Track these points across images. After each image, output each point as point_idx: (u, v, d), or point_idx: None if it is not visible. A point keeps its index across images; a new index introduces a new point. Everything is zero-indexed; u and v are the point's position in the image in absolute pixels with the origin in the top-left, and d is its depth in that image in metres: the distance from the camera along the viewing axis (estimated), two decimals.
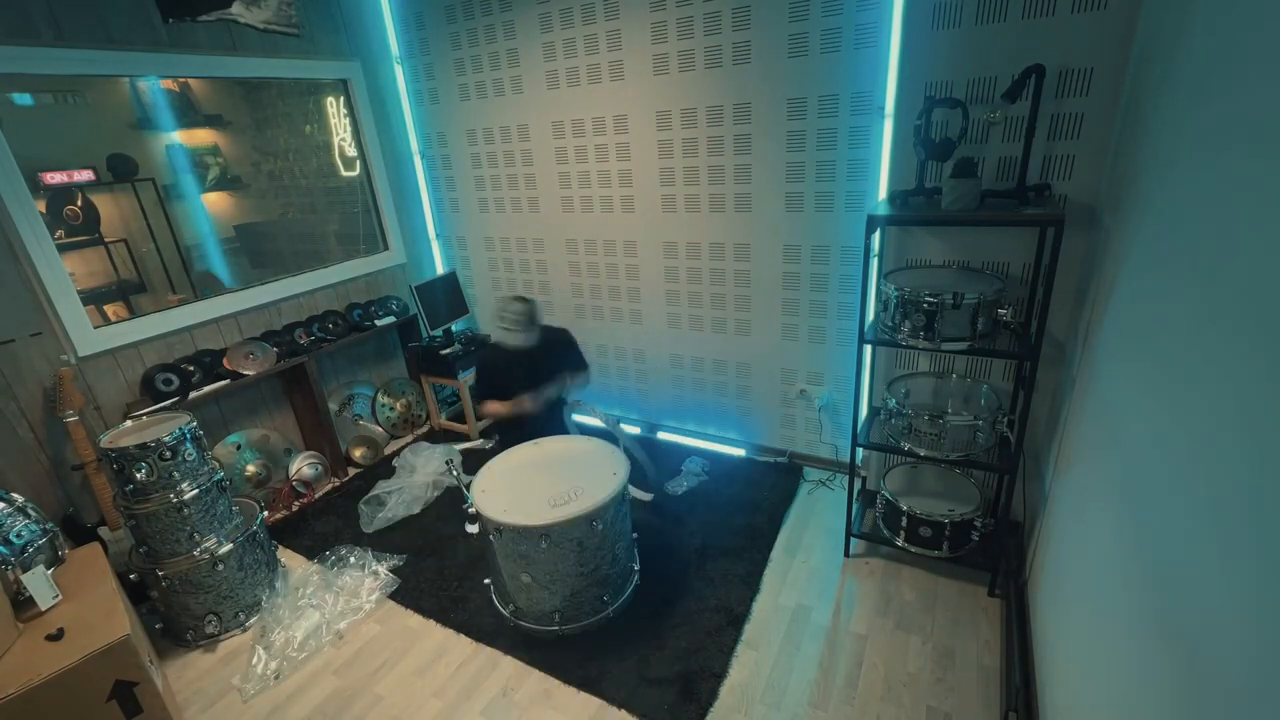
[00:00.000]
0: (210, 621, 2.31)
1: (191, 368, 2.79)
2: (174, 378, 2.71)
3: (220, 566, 2.28)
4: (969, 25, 1.98)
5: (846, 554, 2.49)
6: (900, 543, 2.33)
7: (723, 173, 2.78)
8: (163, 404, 2.62)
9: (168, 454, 2.15)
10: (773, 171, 2.66)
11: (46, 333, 2.43)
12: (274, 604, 2.40)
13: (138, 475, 2.11)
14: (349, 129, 3.52)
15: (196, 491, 2.21)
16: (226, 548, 2.29)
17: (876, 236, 2.22)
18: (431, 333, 3.60)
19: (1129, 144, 1.68)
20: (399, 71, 3.57)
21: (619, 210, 3.14)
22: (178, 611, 2.28)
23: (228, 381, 2.84)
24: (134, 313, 2.89)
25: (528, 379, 2.56)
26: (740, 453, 3.29)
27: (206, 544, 2.26)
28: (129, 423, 2.32)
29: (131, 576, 2.25)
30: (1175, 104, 1.30)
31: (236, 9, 2.85)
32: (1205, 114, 1.11)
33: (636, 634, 2.18)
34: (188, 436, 2.21)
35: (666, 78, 2.74)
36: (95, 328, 2.55)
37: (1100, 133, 1.91)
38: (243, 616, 2.39)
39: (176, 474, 2.18)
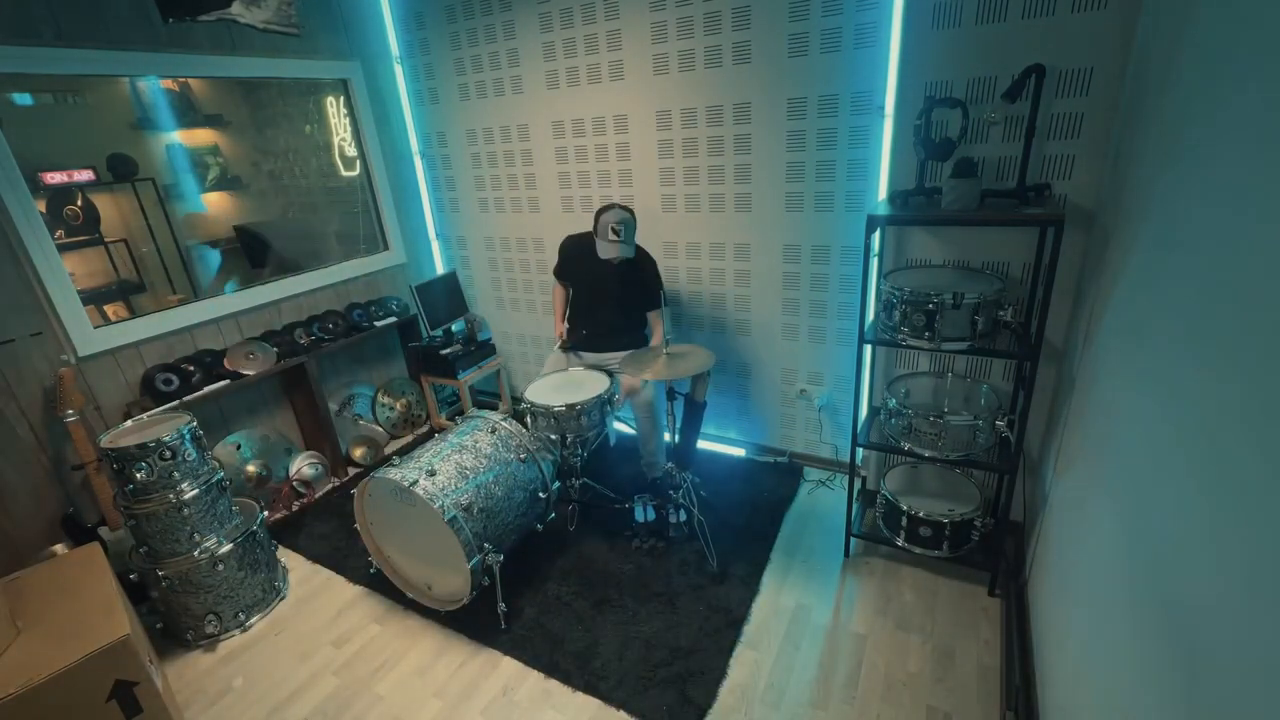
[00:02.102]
0: (210, 621, 2.31)
1: (191, 368, 2.79)
2: (174, 378, 2.71)
3: (220, 566, 2.28)
4: (969, 25, 1.98)
5: (846, 554, 2.49)
6: (900, 543, 2.32)
7: (723, 173, 2.78)
8: (167, 405, 2.61)
9: (168, 454, 2.14)
10: (773, 171, 2.66)
11: (46, 333, 2.43)
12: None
13: (138, 475, 2.11)
14: (349, 129, 3.52)
15: (197, 491, 2.21)
16: (226, 548, 2.29)
17: (876, 236, 2.22)
18: (431, 333, 3.60)
19: (1129, 144, 1.68)
20: (399, 71, 3.57)
21: None
22: (178, 611, 2.27)
23: (227, 382, 2.84)
24: (134, 313, 2.89)
25: (608, 294, 2.74)
26: (740, 453, 3.29)
27: (207, 544, 2.26)
28: (129, 422, 2.32)
29: (131, 576, 2.25)
30: (1175, 104, 1.30)
31: (236, 9, 2.85)
32: (1205, 113, 1.11)
33: (647, 616, 2.19)
34: (187, 436, 2.20)
35: (666, 78, 2.74)
36: (95, 328, 2.55)
37: (1100, 133, 1.91)
38: (243, 616, 2.39)
39: (177, 474, 2.18)
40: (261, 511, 2.55)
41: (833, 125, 2.47)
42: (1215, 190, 1.00)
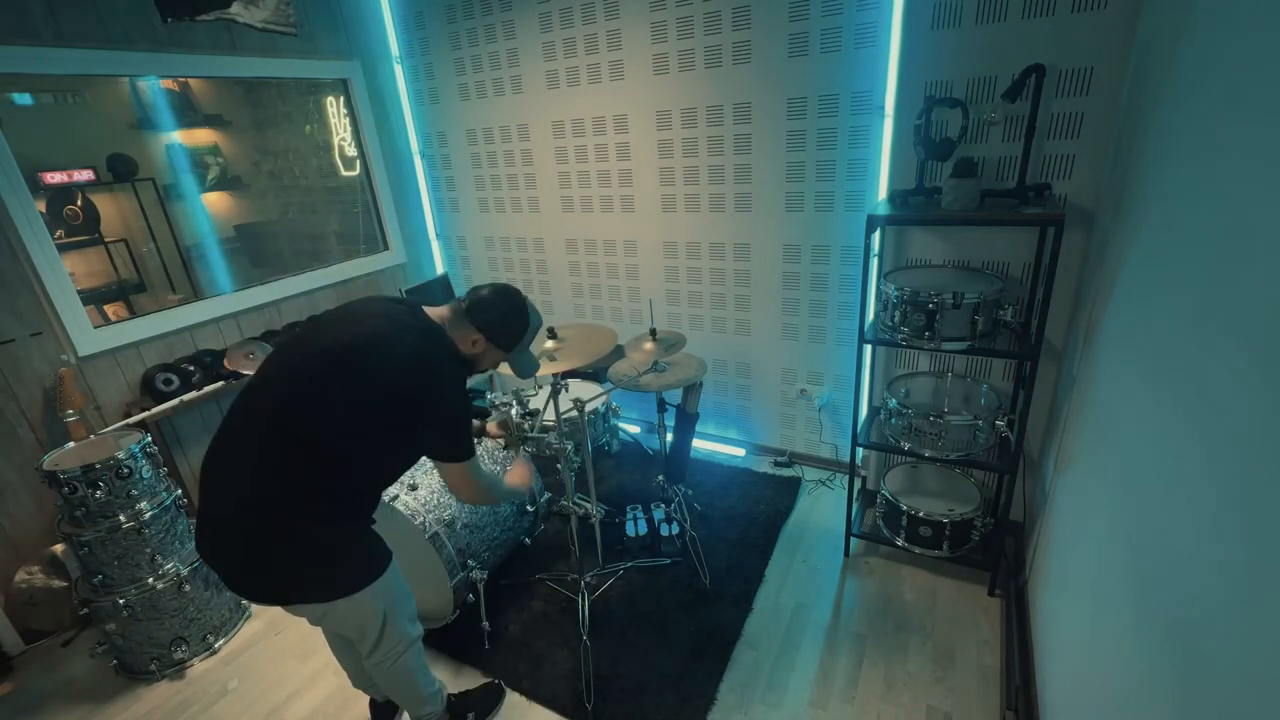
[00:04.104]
0: (179, 647, 2.22)
1: (191, 368, 2.79)
2: (174, 378, 2.71)
3: (187, 587, 2.20)
4: (969, 25, 1.98)
5: (846, 554, 2.49)
6: (900, 542, 2.32)
7: (723, 172, 2.78)
8: (167, 404, 2.61)
9: (125, 470, 2.05)
10: (773, 171, 2.66)
11: (46, 333, 2.43)
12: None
13: (96, 495, 2.01)
14: (349, 129, 3.52)
15: (156, 511, 2.13)
16: (190, 567, 2.22)
17: (876, 236, 2.22)
18: None
19: (1129, 144, 1.68)
20: (399, 71, 3.57)
21: (619, 210, 3.14)
22: (139, 642, 2.17)
23: (227, 382, 2.84)
24: (134, 313, 2.89)
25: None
26: (740, 453, 3.29)
27: (168, 566, 2.18)
28: (71, 444, 2.18)
29: (83, 611, 2.14)
30: (1175, 104, 1.30)
31: (235, 8, 2.85)
32: (1204, 113, 1.11)
33: (636, 633, 2.18)
34: (139, 454, 2.11)
35: (666, 77, 2.74)
36: (95, 328, 2.56)
37: (1100, 133, 1.91)
38: (211, 639, 2.31)
39: (135, 492, 2.09)
40: None
41: (833, 125, 2.47)
42: (1214, 189, 1.00)
